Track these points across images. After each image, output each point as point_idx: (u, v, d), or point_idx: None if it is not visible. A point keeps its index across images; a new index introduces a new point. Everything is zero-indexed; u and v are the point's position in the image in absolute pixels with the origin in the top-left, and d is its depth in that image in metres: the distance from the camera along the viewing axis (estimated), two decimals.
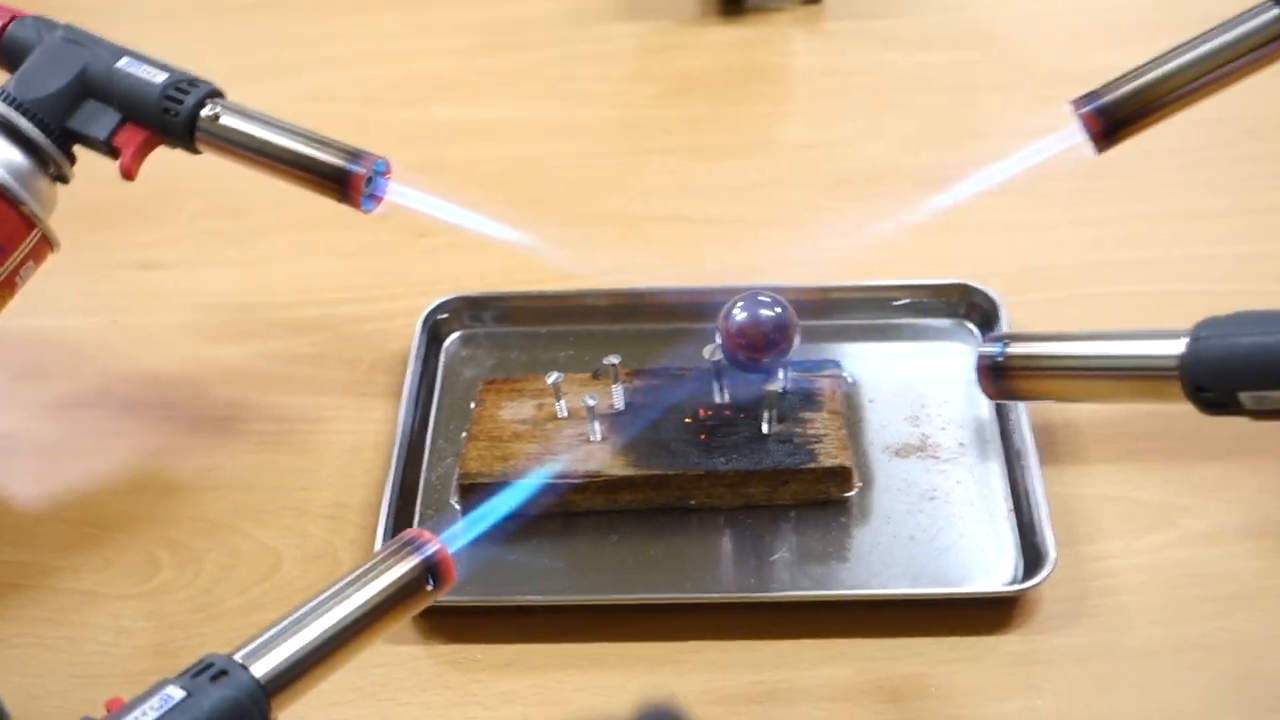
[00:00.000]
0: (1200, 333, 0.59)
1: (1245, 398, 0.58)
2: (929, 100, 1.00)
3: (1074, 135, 0.71)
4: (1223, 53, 0.70)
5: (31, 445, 0.81)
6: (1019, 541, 0.70)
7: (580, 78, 1.09)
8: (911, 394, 0.78)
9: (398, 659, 0.67)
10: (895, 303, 0.83)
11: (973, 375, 0.69)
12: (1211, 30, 0.71)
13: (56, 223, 0.74)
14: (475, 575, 0.70)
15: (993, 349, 0.68)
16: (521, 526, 0.72)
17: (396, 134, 1.01)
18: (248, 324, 0.87)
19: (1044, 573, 0.67)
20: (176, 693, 0.47)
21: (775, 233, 0.90)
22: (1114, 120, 0.71)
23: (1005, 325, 0.81)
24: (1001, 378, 0.68)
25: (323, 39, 1.15)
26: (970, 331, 0.82)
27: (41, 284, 0.76)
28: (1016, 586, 0.68)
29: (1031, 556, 0.69)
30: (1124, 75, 0.71)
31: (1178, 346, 0.59)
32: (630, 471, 0.72)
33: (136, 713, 0.47)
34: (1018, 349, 0.67)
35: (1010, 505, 0.72)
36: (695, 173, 0.98)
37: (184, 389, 0.83)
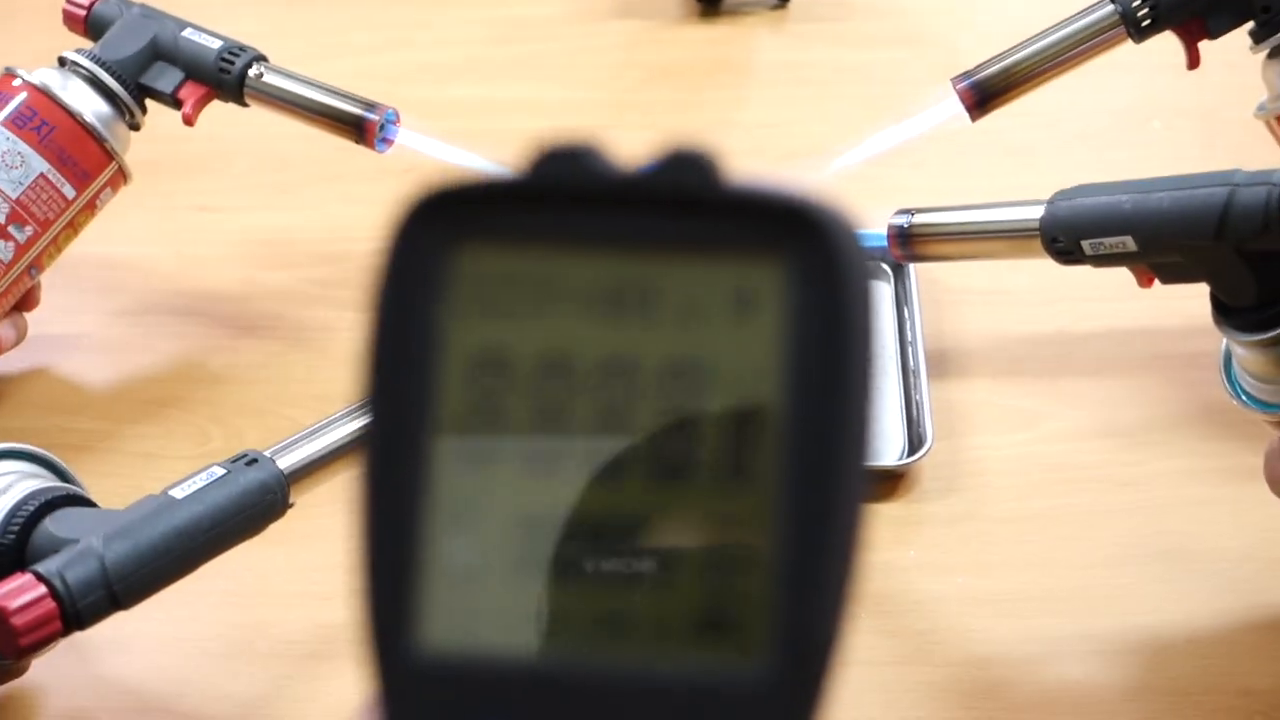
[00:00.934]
0: (1055, 199, 0.73)
1: (1085, 245, 0.71)
2: (870, 91, 1.11)
3: (954, 106, 0.84)
4: (1070, 40, 0.84)
5: (103, 343, 0.93)
6: (906, 433, 0.82)
7: (577, 66, 1.20)
8: None
9: None
10: None
11: (886, 307, 0.81)
12: (1061, 22, 0.84)
13: (133, 172, 0.87)
14: None
15: (901, 220, 0.81)
16: None
17: (421, 109, 1.12)
18: (288, 255, 1.00)
19: (920, 453, 0.79)
20: (219, 471, 0.60)
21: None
22: (984, 93, 0.84)
23: (914, 274, 0.92)
24: (908, 243, 0.81)
25: (359, 27, 1.27)
26: (885, 271, 0.93)
27: (116, 217, 0.89)
28: (899, 462, 0.80)
29: (915, 444, 0.81)
30: (993, 57, 0.85)
31: (1038, 210, 0.73)
32: None
33: (187, 482, 0.60)
34: (921, 219, 0.81)
35: (903, 406, 0.84)
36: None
37: (232, 303, 0.96)
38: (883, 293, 0.92)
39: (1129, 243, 0.69)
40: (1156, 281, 0.70)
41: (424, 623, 0.22)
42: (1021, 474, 0.81)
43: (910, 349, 0.87)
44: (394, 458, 0.23)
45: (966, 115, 0.85)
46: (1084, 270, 0.81)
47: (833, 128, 1.07)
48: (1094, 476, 0.80)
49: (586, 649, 0.22)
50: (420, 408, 0.23)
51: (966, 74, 0.85)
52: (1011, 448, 0.82)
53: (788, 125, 1.11)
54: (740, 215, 0.24)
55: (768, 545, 0.23)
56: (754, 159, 1.05)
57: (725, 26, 1.23)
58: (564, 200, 0.24)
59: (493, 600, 0.23)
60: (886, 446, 0.82)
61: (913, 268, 0.92)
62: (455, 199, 0.24)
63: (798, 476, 0.23)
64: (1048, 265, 0.82)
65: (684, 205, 0.25)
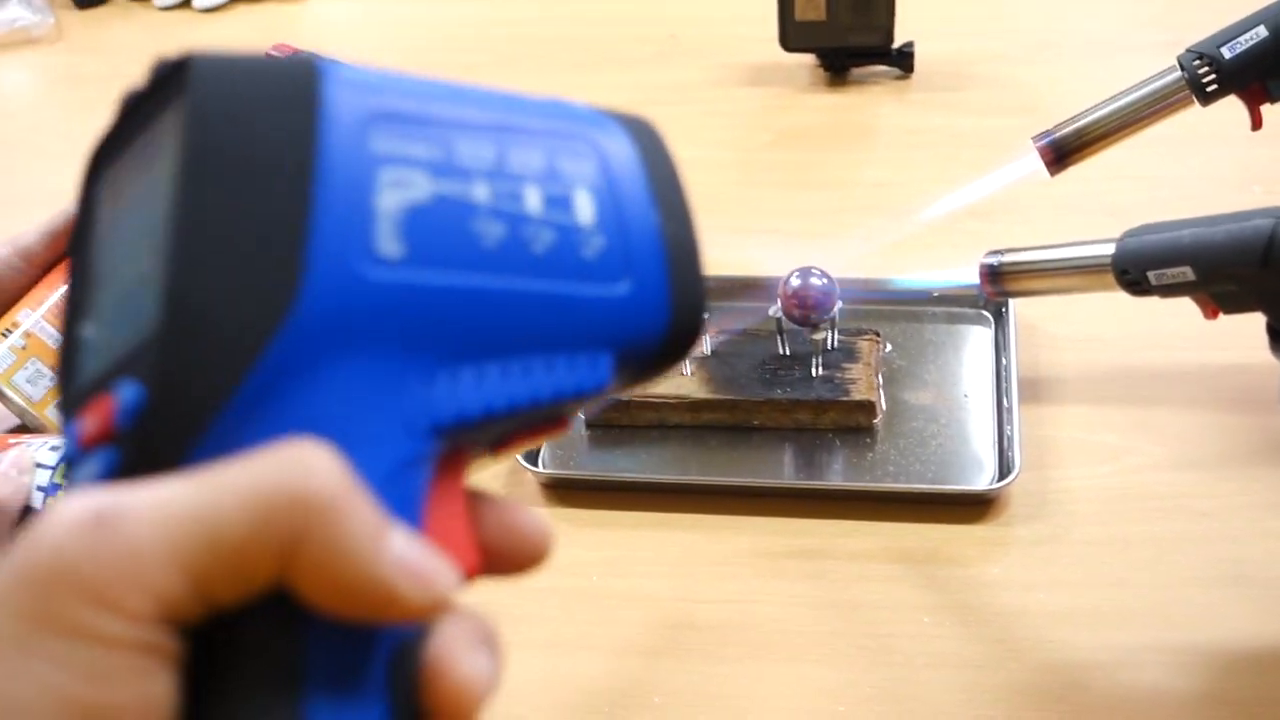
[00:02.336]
0: (1124, 237, 0.77)
1: (1151, 275, 0.76)
2: (984, 154, 1.14)
3: (1034, 162, 0.89)
4: (1140, 103, 0.88)
5: None
6: (998, 462, 0.87)
7: (713, 127, 1.26)
8: (935, 360, 0.95)
9: None
10: (932, 293, 1.00)
11: (986, 351, 0.85)
12: (1132, 86, 0.89)
13: None
14: (590, 460, 0.89)
15: (992, 260, 0.87)
16: (627, 432, 0.90)
17: None
18: None
19: (1008, 480, 0.83)
20: None
21: (848, 243, 1.06)
22: (1061, 150, 0.89)
23: (1013, 317, 0.96)
24: (998, 280, 0.87)
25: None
26: (987, 318, 0.98)
27: None
28: (988, 487, 0.85)
29: (1004, 471, 0.85)
30: (1071, 118, 0.90)
31: (1110, 247, 0.78)
32: (709, 395, 0.90)
33: None
34: (1009, 257, 0.86)
35: (995, 436, 0.89)
36: (792, 199, 1.15)
37: None
38: (982, 336, 0.97)
39: (1188, 273, 0.74)
40: (1221, 314, 0.74)
41: (78, 375, 0.36)
42: (1103, 502, 0.84)
43: (1005, 386, 0.91)
44: (74, 288, 0.37)
45: (1046, 170, 0.90)
46: (1169, 316, 0.86)
47: (947, 187, 1.12)
48: (1172, 506, 0.83)
49: (114, 354, 0.35)
50: (85, 263, 0.37)
51: (1046, 133, 0.90)
52: (1095, 478, 0.86)
53: (905, 185, 1.16)
54: (166, 81, 0.34)
55: (165, 253, 0.32)
56: (872, 214, 1.10)
57: (851, 94, 1.28)
58: (128, 120, 0.36)
59: (100, 346, 0.35)
60: (977, 474, 0.86)
61: (1012, 316, 0.96)
62: (98, 154, 0.37)
63: (181, 212, 0.32)
64: (1137, 313, 0.86)
65: (151, 94, 0.35)
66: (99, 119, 0.36)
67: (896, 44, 1.27)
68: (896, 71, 1.29)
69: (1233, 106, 0.87)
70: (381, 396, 0.34)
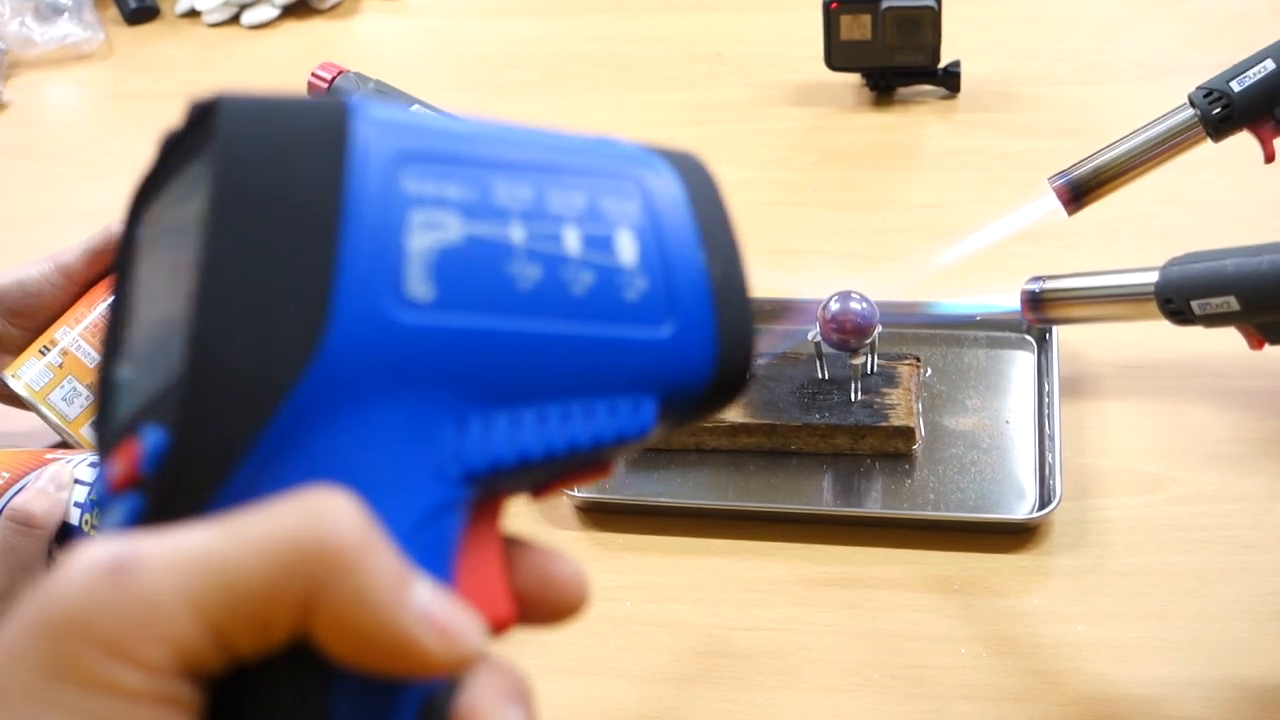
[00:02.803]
0: (1167, 265, 0.77)
1: (1194, 305, 0.75)
2: (1030, 176, 1.11)
3: (1052, 202, 0.89)
4: (1154, 141, 0.88)
5: None
6: (1039, 490, 0.85)
7: (758, 146, 1.25)
8: (977, 386, 0.94)
9: (561, 539, 0.85)
10: (975, 318, 0.99)
11: (1029, 376, 0.85)
12: (1146, 125, 0.88)
13: None
14: (626, 483, 0.88)
15: (1034, 286, 0.87)
16: (663, 456, 0.90)
17: None
18: None
19: (1049, 509, 0.82)
20: None
21: (890, 265, 1.05)
22: (1078, 190, 0.89)
23: (1056, 343, 0.95)
24: (1039, 307, 0.86)
25: (559, 111, 1.35)
26: (1030, 343, 0.97)
27: None
28: (1028, 516, 0.83)
29: (1045, 500, 0.84)
30: (1085, 158, 0.89)
31: (1154, 275, 0.77)
32: (748, 419, 0.89)
33: None
34: (1051, 284, 0.86)
35: (1036, 464, 0.87)
36: (836, 220, 1.14)
37: None
38: (1024, 362, 0.96)
39: (1232, 302, 0.73)
40: (1266, 345, 0.73)
41: (113, 414, 0.36)
42: (1145, 532, 0.83)
43: (1048, 414, 0.90)
44: (112, 330, 0.37)
45: (1063, 209, 0.89)
46: (1215, 343, 0.85)
47: (992, 209, 1.11)
48: (1215, 538, 0.82)
49: (143, 397, 0.34)
50: (125, 302, 0.37)
51: (1062, 173, 0.90)
52: (1137, 508, 0.85)
53: (950, 206, 1.15)
54: (202, 123, 0.34)
55: (193, 299, 0.32)
56: (915, 236, 1.09)
57: (897, 114, 1.28)
58: (169, 160, 0.36)
59: (133, 390, 0.35)
60: (1018, 503, 0.85)
61: (1055, 342, 0.94)
62: (138, 197, 0.37)
63: (211, 253, 0.32)
64: (1182, 340, 0.85)
65: (189, 133, 0.35)
66: (149, 136, 0.37)
67: (942, 64, 1.26)
68: (943, 91, 1.28)
69: None
70: (411, 442, 0.33)
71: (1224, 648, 0.75)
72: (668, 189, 0.39)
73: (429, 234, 0.34)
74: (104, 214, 0.92)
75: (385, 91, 0.95)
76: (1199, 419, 0.90)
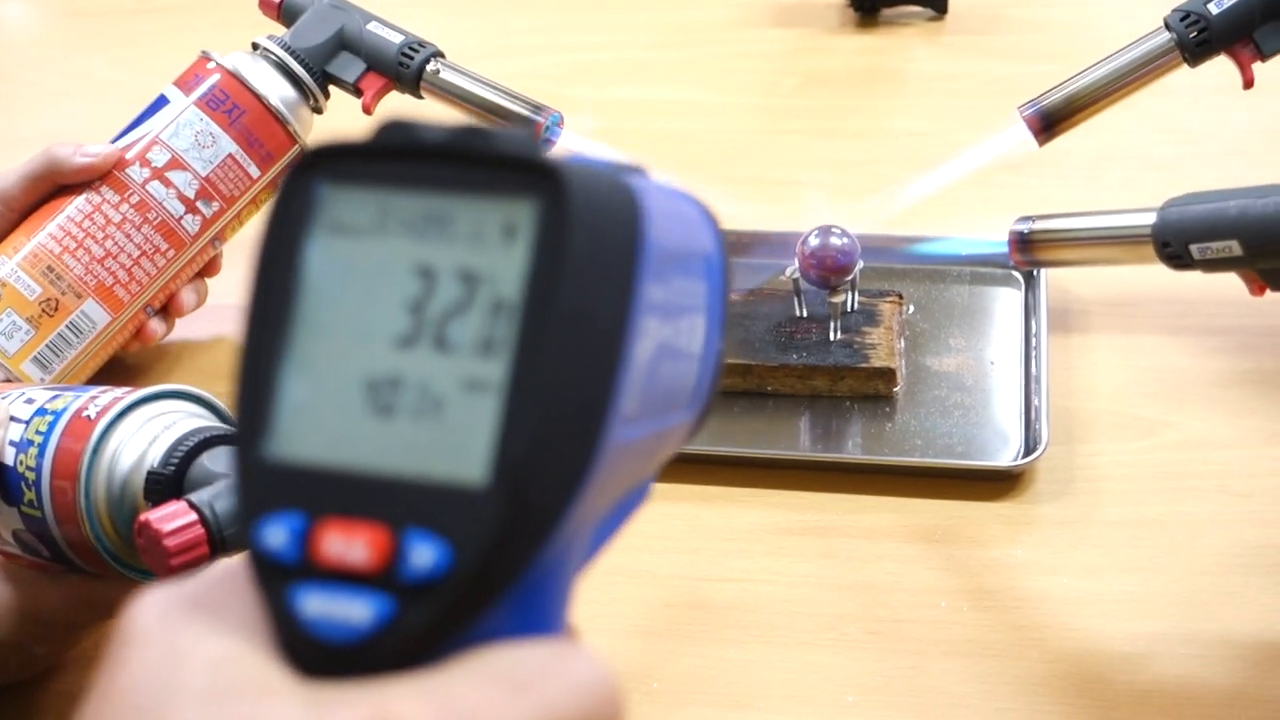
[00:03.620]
0: (1167, 205, 0.73)
1: (1194, 249, 0.71)
2: (1020, 102, 1.11)
3: (1023, 132, 0.85)
4: (1128, 66, 0.84)
5: None
6: (1024, 435, 0.82)
7: (736, 70, 1.21)
8: (961, 324, 0.90)
9: None
10: (961, 257, 0.95)
11: (1015, 315, 0.81)
12: (1120, 50, 0.84)
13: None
14: None
15: (1022, 226, 0.83)
16: None
17: (584, 108, 1.15)
18: None
19: (1034, 455, 0.79)
20: None
21: (873, 197, 1.00)
22: (1049, 119, 0.85)
23: (1044, 279, 0.91)
24: (1028, 249, 0.83)
25: (529, 29, 1.31)
26: (1017, 279, 0.93)
27: None
28: (1013, 463, 0.80)
29: (1031, 447, 0.81)
30: (1057, 85, 0.85)
31: (1151, 217, 0.74)
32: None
33: None
34: (1041, 225, 0.82)
35: (1022, 407, 0.84)
36: (817, 149, 1.10)
37: None
38: (1011, 299, 0.92)
39: (1235, 247, 0.69)
40: (1269, 291, 0.70)
41: (274, 437, 0.31)
42: (1136, 480, 0.80)
43: (1034, 355, 0.86)
44: (265, 325, 0.32)
45: (1034, 139, 0.86)
46: (1212, 283, 0.81)
47: (981, 138, 1.07)
48: (1210, 486, 0.79)
49: (376, 459, 0.30)
50: (285, 294, 0.32)
51: (1032, 101, 0.86)
52: (1129, 454, 0.82)
53: (937, 134, 1.11)
54: (510, 169, 0.31)
55: (501, 392, 0.30)
56: (901, 165, 1.05)
57: (881, 36, 1.24)
58: (392, 155, 0.32)
59: (322, 427, 0.31)
60: (1002, 448, 0.82)
61: (1043, 278, 0.91)
62: (322, 155, 0.32)
63: (525, 348, 0.30)
64: (1177, 279, 0.82)
65: (472, 160, 0.31)
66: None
67: None
68: (929, 12, 1.24)
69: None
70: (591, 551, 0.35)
71: (1217, 602, 0.72)
72: (716, 260, 0.41)
73: (645, 342, 0.33)
74: (50, 137, 0.89)
75: (341, 8, 0.91)
76: (1192, 360, 0.87)
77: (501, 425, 0.30)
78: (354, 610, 0.30)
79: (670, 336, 0.35)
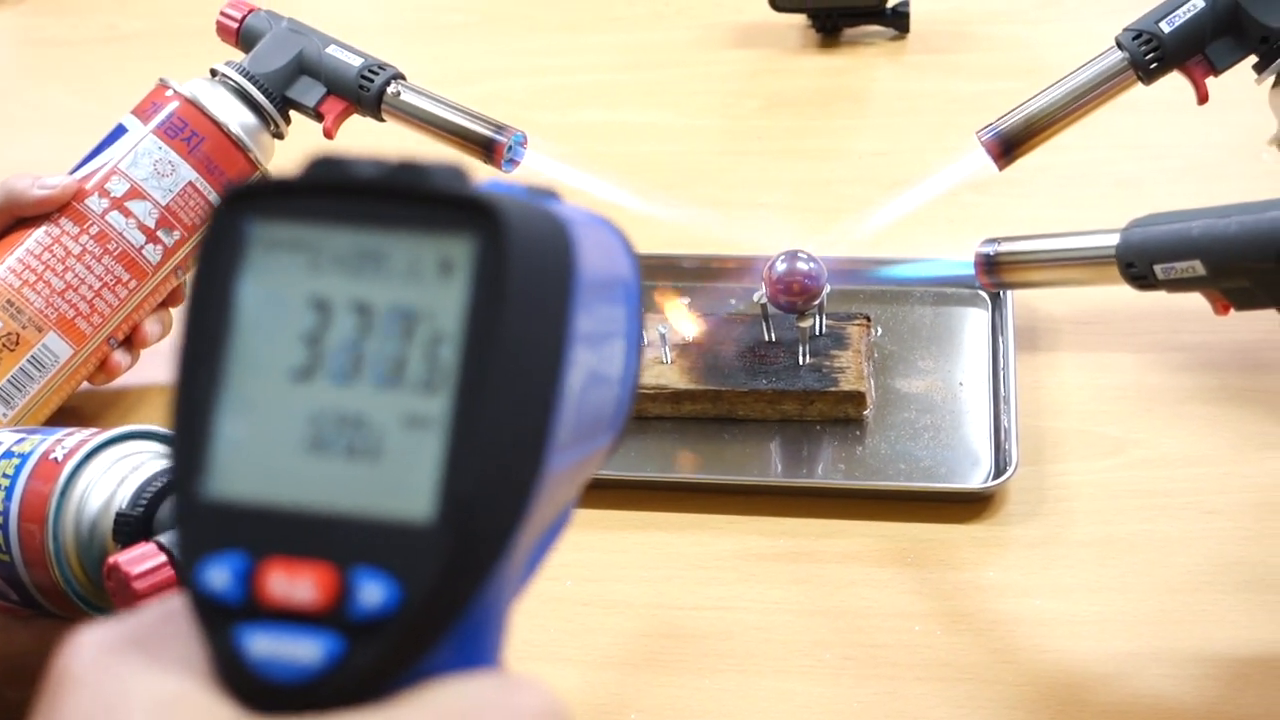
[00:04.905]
0: (1129, 227, 0.74)
1: (1158, 269, 0.72)
2: (984, 120, 1.10)
3: (982, 157, 0.86)
4: (1083, 88, 0.85)
5: None
6: (994, 456, 0.83)
7: (698, 92, 1.21)
8: (929, 345, 0.91)
9: None
10: (927, 280, 0.95)
11: (983, 334, 0.82)
12: (1074, 71, 0.85)
13: (274, 170, 0.91)
14: None
15: (988, 249, 0.83)
16: None
17: (548, 131, 1.15)
18: None
19: (1004, 477, 0.80)
20: None
21: (837, 218, 1.01)
22: (1008, 143, 0.86)
23: (1011, 298, 0.92)
24: (994, 271, 0.83)
25: (493, 52, 1.31)
26: (983, 299, 0.94)
27: None
28: (983, 485, 0.81)
29: (1001, 468, 0.81)
30: (1014, 109, 0.86)
31: (1114, 238, 0.74)
32: (691, 386, 0.86)
33: None
34: (1006, 247, 0.83)
35: (991, 428, 0.85)
36: (780, 170, 1.10)
37: None
38: (978, 319, 0.93)
39: (1198, 267, 0.70)
40: (1232, 310, 0.70)
41: (212, 476, 0.31)
42: (1106, 499, 0.80)
43: (1002, 375, 0.87)
44: (199, 363, 0.31)
45: (993, 163, 0.86)
46: (1178, 301, 0.82)
47: (945, 157, 1.08)
48: (1179, 504, 0.80)
49: (319, 497, 0.30)
50: (218, 331, 0.31)
51: (990, 126, 0.87)
52: (1097, 474, 0.82)
53: (900, 154, 1.11)
54: (445, 205, 0.31)
55: (444, 428, 0.30)
56: (865, 186, 1.06)
57: (844, 56, 1.24)
58: (324, 191, 0.31)
59: (261, 465, 0.31)
60: (972, 470, 0.82)
61: (1009, 298, 0.92)
62: (251, 192, 0.32)
63: (467, 384, 0.30)
64: (1144, 296, 0.82)
65: (406, 197, 0.31)
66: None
67: (891, 2, 1.22)
68: (891, 32, 1.24)
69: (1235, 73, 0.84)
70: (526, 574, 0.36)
71: (1187, 621, 0.73)
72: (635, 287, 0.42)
73: (577, 371, 0.33)
74: (8, 167, 0.88)
75: (300, 31, 0.91)
76: (1160, 376, 0.88)
77: (446, 461, 0.30)
78: (302, 650, 0.30)
79: (597, 364, 0.36)
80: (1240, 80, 0.85)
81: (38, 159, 0.93)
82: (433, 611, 0.30)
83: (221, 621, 0.30)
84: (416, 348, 0.31)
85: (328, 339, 0.31)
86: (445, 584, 0.30)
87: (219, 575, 0.30)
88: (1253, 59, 0.83)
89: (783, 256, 0.86)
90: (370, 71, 0.90)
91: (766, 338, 0.88)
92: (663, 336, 0.87)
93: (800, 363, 0.86)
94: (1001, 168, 0.87)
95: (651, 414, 0.86)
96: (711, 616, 0.76)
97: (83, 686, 0.30)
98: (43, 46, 1.42)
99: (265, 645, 0.30)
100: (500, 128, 0.90)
